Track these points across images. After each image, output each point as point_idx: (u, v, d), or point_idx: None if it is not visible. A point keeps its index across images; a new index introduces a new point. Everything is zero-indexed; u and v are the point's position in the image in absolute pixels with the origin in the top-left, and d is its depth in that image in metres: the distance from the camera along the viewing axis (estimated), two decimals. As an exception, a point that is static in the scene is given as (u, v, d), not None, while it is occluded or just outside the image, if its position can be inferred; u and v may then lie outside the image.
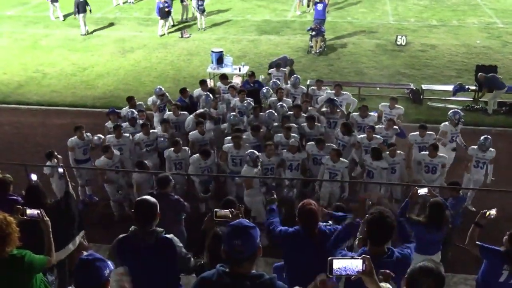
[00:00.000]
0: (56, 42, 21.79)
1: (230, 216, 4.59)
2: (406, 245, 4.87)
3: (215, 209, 4.80)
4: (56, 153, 8.92)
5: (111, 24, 23.86)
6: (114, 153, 9.93)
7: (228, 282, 3.18)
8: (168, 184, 7.48)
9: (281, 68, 14.43)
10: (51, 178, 9.86)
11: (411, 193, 6.89)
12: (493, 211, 6.06)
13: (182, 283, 4.98)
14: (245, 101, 11.82)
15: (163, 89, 12.50)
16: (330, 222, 6.65)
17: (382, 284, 3.21)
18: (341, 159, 9.53)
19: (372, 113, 11.51)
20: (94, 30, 22.89)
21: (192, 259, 4.67)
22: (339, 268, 3.15)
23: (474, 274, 6.93)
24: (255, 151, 9.32)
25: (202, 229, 4.84)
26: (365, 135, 10.45)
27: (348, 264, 3.16)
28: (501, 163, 11.27)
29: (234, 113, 11.32)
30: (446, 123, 10.79)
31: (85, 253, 7.43)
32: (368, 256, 3.19)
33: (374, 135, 10.39)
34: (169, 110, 11.93)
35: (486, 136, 9.97)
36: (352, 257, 3.21)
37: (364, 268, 3.14)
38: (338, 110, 11.59)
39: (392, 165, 9.73)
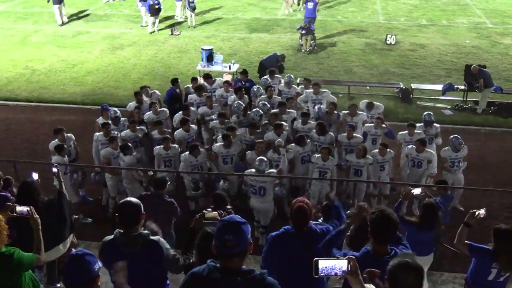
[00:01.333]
0: (46, 38, 21.64)
1: (219, 218, 4.60)
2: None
3: (204, 211, 4.80)
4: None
5: (101, 21, 23.73)
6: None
7: (218, 277, 3.19)
8: (164, 186, 7.52)
9: (275, 75, 13.85)
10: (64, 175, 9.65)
11: (405, 193, 6.95)
12: (482, 211, 6.10)
13: (169, 280, 4.95)
14: (242, 99, 11.79)
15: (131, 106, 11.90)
16: (320, 220, 6.69)
17: (367, 285, 3.23)
18: (330, 157, 9.57)
19: (361, 112, 11.50)
20: (76, 27, 22.80)
21: (180, 259, 4.62)
22: (324, 268, 3.19)
23: (463, 272, 7.01)
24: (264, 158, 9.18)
25: (190, 227, 4.83)
26: (345, 134, 10.43)
27: (333, 265, 3.20)
28: (490, 162, 11.40)
29: (256, 109, 11.28)
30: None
31: (74, 250, 7.45)
32: (353, 257, 3.23)
33: (354, 134, 10.37)
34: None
35: (455, 135, 9.82)
36: (338, 258, 3.24)
37: (349, 269, 3.18)
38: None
39: (381, 163, 9.79)
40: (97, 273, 3.55)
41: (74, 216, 9.40)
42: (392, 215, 4.36)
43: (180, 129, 10.52)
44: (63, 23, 22.97)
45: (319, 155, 9.58)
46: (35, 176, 7.44)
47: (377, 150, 9.87)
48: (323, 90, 12.55)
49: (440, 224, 7.01)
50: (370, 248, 4.41)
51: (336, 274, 3.19)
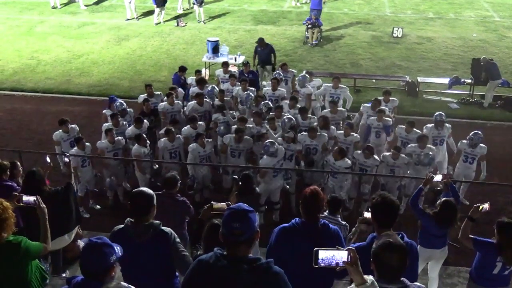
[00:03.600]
0: (51, 29, 21.63)
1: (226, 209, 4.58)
2: None
3: (212, 202, 4.79)
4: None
5: (106, 12, 23.71)
6: (116, 139, 9.88)
7: (225, 264, 3.20)
8: (175, 185, 7.16)
9: (289, 69, 13.69)
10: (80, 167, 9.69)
11: (425, 179, 6.94)
12: (486, 205, 6.12)
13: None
14: (247, 91, 11.75)
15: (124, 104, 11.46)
16: (326, 213, 6.70)
17: (365, 276, 3.25)
18: (345, 158, 9.40)
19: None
20: (89, 18, 22.79)
21: (189, 258, 4.53)
22: (324, 259, 3.21)
23: (467, 266, 7.00)
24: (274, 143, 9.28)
25: (198, 218, 4.83)
26: (342, 131, 10.35)
27: (333, 255, 3.22)
28: (496, 156, 11.34)
29: (267, 101, 11.30)
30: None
31: (80, 241, 7.49)
32: (353, 248, 3.25)
33: (351, 133, 10.28)
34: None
35: (476, 131, 9.76)
36: (338, 248, 3.25)
37: (349, 259, 3.20)
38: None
39: (392, 167, 9.64)
40: (112, 264, 3.59)
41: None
42: (392, 199, 4.36)
43: (188, 126, 10.48)
44: (55, 6, 23.70)
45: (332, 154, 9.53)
46: (48, 159, 7.50)
47: (389, 153, 9.74)
48: (342, 86, 12.47)
49: (457, 221, 6.94)
50: (376, 233, 4.40)
51: (337, 264, 3.21)
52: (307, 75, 12.88)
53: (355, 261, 3.20)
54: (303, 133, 10.13)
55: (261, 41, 15.23)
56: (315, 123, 10.50)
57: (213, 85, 12.19)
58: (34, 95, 15.88)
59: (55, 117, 11.49)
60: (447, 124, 10.50)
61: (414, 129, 10.37)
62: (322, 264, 3.21)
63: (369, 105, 11.45)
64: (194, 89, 12.19)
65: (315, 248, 3.22)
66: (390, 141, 11.01)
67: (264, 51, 15.15)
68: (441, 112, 10.62)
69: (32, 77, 16.97)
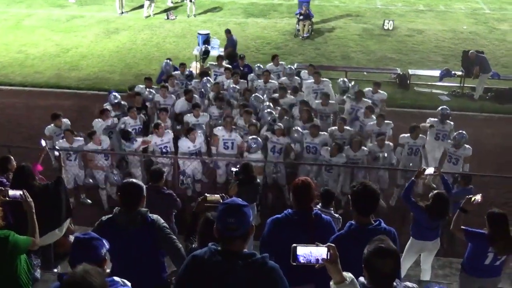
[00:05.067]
0: (39, 22, 21.41)
1: (221, 201, 4.56)
2: None
3: (206, 194, 4.76)
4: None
5: (95, 5, 23.49)
6: (103, 139, 9.69)
7: (219, 260, 3.16)
8: (161, 177, 7.18)
9: (280, 62, 13.65)
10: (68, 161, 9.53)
11: (418, 171, 6.95)
12: (478, 197, 6.13)
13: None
14: (239, 84, 11.70)
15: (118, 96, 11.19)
16: (318, 206, 6.68)
17: (345, 273, 3.16)
18: (339, 153, 9.39)
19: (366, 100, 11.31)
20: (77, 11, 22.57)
21: (178, 243, 4.54)
22: (303, 255, 3.11)
23: (459, 257, 7.02)
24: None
25: (193, 211, 4.79)
26: (336, 127, 10.29)
27: (312, 252, 3.11)
28: (487, 148, 11.39)
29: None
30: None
31: (71, 237, 7.43)
32: (333, 245, 3.14)
33: (345, 127, 10.23)
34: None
35: (460, 131, 9.58)
36: (317, 244, 3.14)
37: (329, 257, 3.10)
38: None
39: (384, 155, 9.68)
40: (104, 257, 3.53)
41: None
42: (372, 187, 4.31)
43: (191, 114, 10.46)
44: None
45: (328, 148, 9.51)
46: (43, 143, 7.42)
47: (375, 143, 9.79)
48: (324, 79, 12.32)
49: (448, 214, 6.97)
50: (354, 221, 4.37)
51: (317, 260, 3.09)
52: (293, 67, 12.96)
53: (335, 259, 3.10)
54: (305, 131, 9.97)
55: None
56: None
57: (208, 77, 12.10)
58: (22, 89, 15.70)
59: (44, 112, 11.39)
60: (450, 122, 10.38)
61: (386, 121, 10.35)
62: (302, 261, 3.10)
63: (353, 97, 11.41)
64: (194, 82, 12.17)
65: (293, 244, 3.12)
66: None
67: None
68: (445, 106, 10.55)
69: (20, 71, 16.79)
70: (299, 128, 9.94)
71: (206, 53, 15.62)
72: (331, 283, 3.14)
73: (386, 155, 9.64)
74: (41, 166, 7.29)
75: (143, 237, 4.44)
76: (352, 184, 4.54)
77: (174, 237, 4.56)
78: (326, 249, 3.11)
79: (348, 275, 3.14)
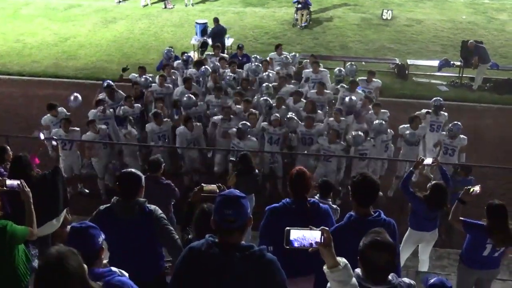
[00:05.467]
0: (37, 11, 21.30)
1: (217, 191, 4.55)
2: None
3: (202, 184, 4.74)
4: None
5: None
6: (100, 128, 9.66)
7: (217, 252, 3.13)
8: (159, 168, 7.14)
9: (281, 52, 13.39)
10: (65, 151, 9.49)
11: (416, 162, 6.95)
12: (477, 188, 6.11)
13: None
14: (236, 73, 11.67)
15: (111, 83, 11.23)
16: (316, 197, 6.67)
17: (338, 258, 3.14)
18: (337, 140, 9.41)
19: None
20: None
21: (175, 235, 4.53)
22: (296, 239, 3.08)
23: (457, 248, 7.04)
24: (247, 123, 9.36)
25: (189, 201, 4.78)
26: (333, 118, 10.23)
27: (306, 235, 3.08)
28: (485, 139, 11.39)
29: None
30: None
31: (69, 227, 7.40)
32: (327, 228, 3.12)
33: (341, 118, 10.18)
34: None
35: (455, 122, 9.52)
36: (311, 228, 3.10)
37: (322, 240, 3.06)
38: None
39: (386, 142, 9.72)
40: (101, 246, 3.49)
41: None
42: (372, 178, 4.30)
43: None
44: None
45: (325, 137, 9.51)
46: (42, 136, 7.38)
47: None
48: (322, 69, 12.22)
49: (447, 204, 6.97)
50: (353, 212, 4.36)
51: (311, 244, 3.06)
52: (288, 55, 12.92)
53: (329, 242, 3.06)
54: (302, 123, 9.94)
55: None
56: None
57: (206, 66, 12.05)
58: (20, 78, 15.65)
59: (42, 101, 11.34)
60: (444, 113, 10.33)
61: (382, 110, 10.35)
62: (295, 245, 3.08)
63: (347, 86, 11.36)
64: (191, 71, 12.09)
65: (287, 228, 3.09)
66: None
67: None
68: (438, 97, 10.49)
69: (18, 61, 16.71)
70: (293, 116, 9.92)
71: (204, 45, 15.50)
72: (324, 267, 3.11)
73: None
74: (39, 160, 7.26)
75: (141, 227, 4.43)
76: (352, 175, 4.53)
77: (171, 228, 4.55)
78: (319, 232, 3.07)
79: (342, 260, 3.12)
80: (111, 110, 10.46)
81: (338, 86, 11.51)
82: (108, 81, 11.26)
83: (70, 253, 2.82)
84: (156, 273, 4.72)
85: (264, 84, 10.94)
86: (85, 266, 2.94)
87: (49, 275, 2.76)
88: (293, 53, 13.47)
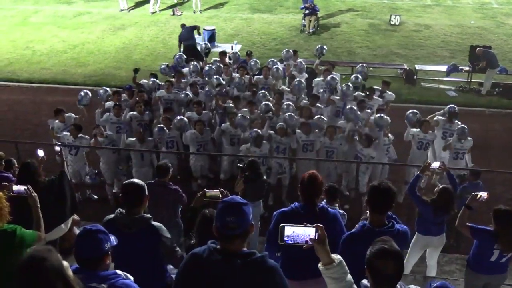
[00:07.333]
0: (46, 19, 21.49)
1: (220, 196, 4.56)
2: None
3: (205, 189, 4.76)
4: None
5: (102, 1, 23.52)
6: (107, 133, 9.75)
7: (218, 259, 3.12)
8: (167, 173, 7.18)
9: (297, 58, 13.47)
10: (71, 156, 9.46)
11: (423, 166, 6.96)
12: (484, 194, 6.07)
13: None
14: (243, 78, 11.65)
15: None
16: (323, 202, 6.66)
17: (333, 255, 3.12)
18: (338, 135, 9.45)
19: (376, 98, 11.20)
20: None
21: (178, 252, 4.55)
22: (290, 235, 3.07)
23: (465, 253, 6.99)
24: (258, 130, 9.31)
25: (191, 206, 4.79)
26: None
27: (300, 232, 3.08)
28: (494, 144, 11.33)
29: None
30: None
31: (76, 228, 7.44)
32: (321, 225, 3.11)
33: (340, 121, 10.17)
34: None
35: (462, 125, 9.52)
36: (305, 225, 3.11)
37: (317, 237, 3.06)
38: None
39: (387, 146, 9.67)
40: (107, 252, 3.52)
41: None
42: (389, 185, 4.30)
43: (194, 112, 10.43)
44: None
45: (326, 135, 9.49)
46: (40, 153, 7.44)
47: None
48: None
49: (454, 209, 6.94)
50: (368, 221, 4.37)
51: (306, 241, 3.05)
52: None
53: (323, 239, 3.05)
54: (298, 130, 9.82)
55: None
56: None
57: (210, 63, 12.02)
58: (30, 85, 15.77)
59: (51, 108, 11.39)
60: (457, 121, 10.09)
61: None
62: (289, 242, 3.07)
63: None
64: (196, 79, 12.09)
65: (281, 224, 3.10)
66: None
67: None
68: (453, 105, 10.34)
69: (27, 68, 16.85)
70: (292, 114, 9.85)
71: (207, 50, 15.59)
72: (319, 264, 3.10)
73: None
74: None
75: (144, 241, 4.42)
76: (370, 183, 4.53)
77: (176, 247, 4.57)
78: (314, 229, 3.07)
79: (336, 256, 3.11)
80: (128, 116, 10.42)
81: (356, 93, 11.32)
82: (104, 88, 11.37)
83: (45, 250, 2.88)
84: (160, 286, 4.69)
85: (260, 92, 10.92)
86: (65, 262, 2.97)
87: (24, 275, 2.83)
88: (320, 45, 13.50)
